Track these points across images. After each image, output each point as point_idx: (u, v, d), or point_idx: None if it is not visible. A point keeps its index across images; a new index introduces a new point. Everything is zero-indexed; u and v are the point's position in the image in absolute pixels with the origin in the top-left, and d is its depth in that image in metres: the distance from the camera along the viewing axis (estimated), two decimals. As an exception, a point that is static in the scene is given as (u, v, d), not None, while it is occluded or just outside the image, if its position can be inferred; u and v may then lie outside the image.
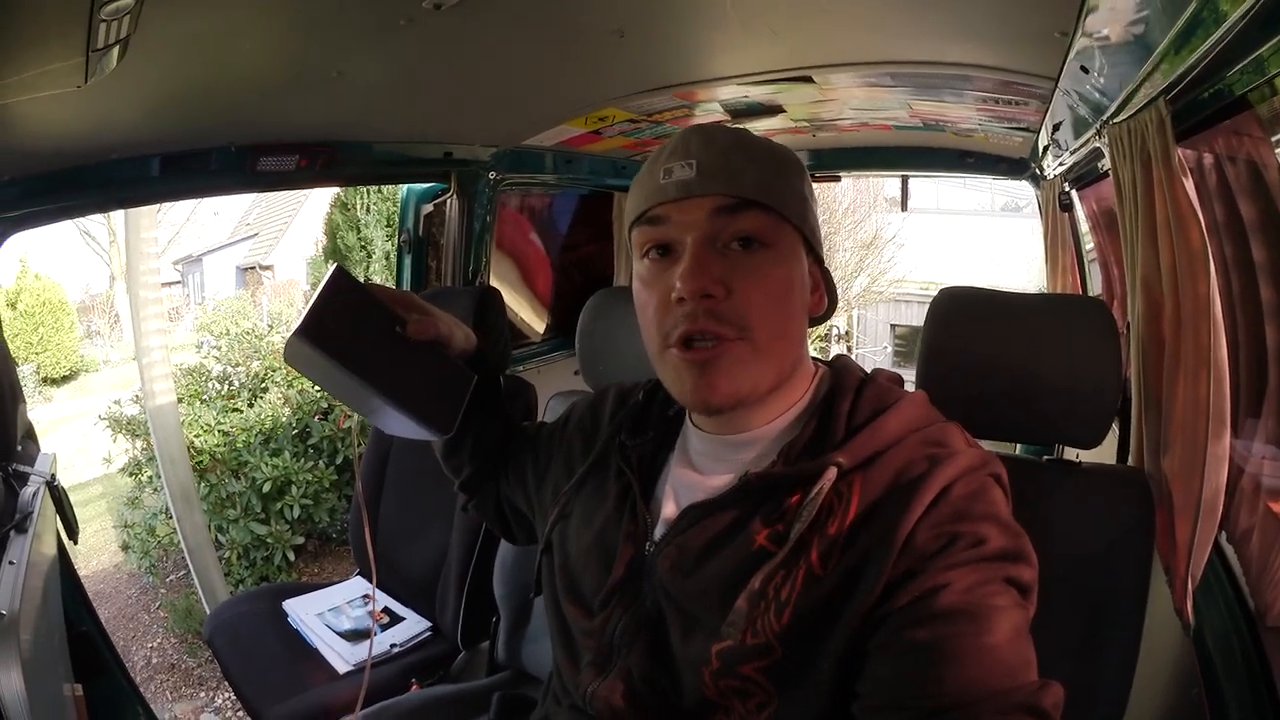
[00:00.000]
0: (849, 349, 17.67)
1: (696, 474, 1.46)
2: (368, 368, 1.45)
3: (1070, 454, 2.11)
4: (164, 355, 6.30)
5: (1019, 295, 1.92)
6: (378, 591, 3.50)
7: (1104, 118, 2.28)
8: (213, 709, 5.55)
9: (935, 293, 1.89)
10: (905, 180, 5.68)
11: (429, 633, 3.30)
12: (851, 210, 16.34)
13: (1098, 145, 2.53)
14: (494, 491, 1.90)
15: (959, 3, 2.27)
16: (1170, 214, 1.80)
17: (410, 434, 1.60)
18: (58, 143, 2.37)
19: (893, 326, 18.52)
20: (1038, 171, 4.60)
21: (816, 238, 1.41)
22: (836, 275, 16.11)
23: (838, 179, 5.83)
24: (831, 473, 1.24)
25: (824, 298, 1.45)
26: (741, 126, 1.46)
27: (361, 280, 1.51)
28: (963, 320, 1.86)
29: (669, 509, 1.46)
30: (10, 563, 1.86)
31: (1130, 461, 2.26)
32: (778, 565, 1.22)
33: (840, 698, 1.18)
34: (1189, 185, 1.75)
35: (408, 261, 4.41)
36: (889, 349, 18.18)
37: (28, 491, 2.28)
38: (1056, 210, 4.45)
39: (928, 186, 19.33)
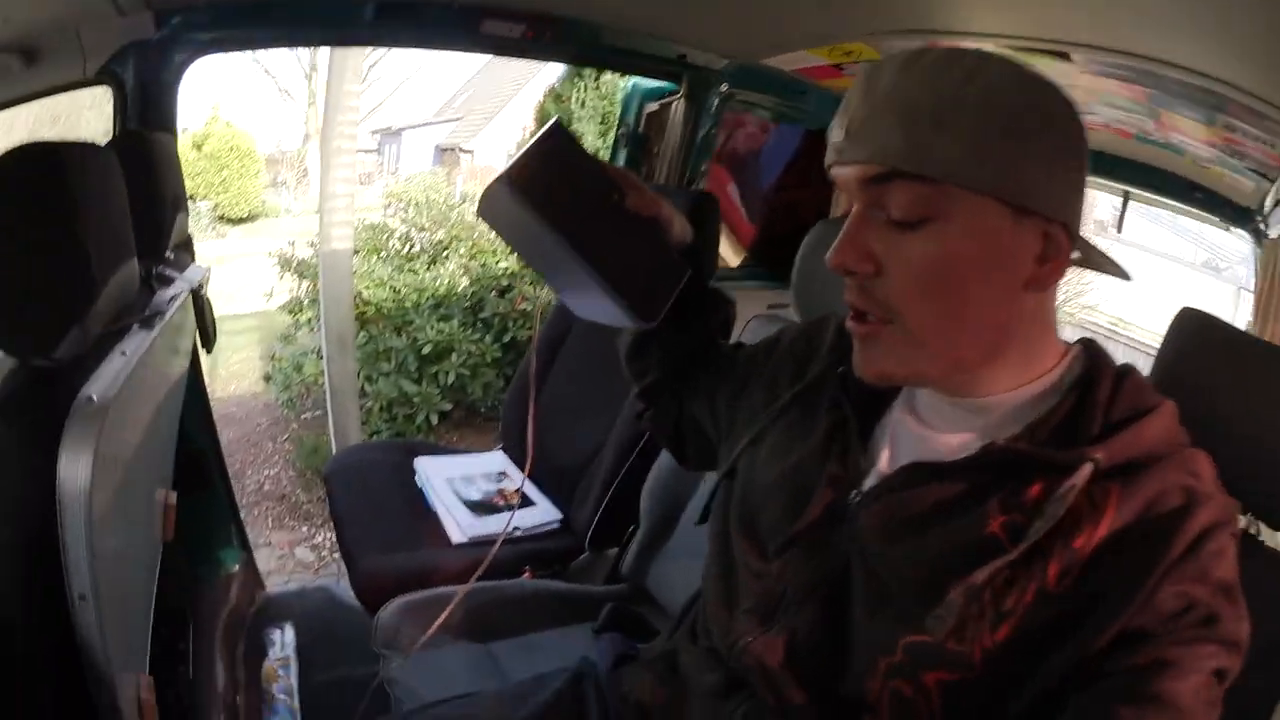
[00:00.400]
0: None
1: (924, 428, 1.29)
2: (576, 231, 1.36)
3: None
4: (348, 203, 6.33)
5: (1257, 341, 1.75)
6: (514, 471, 3.49)
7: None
8: (310, 544, 5.70)
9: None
10: (1126, 198, 5.44)
11: (557, 524, 3.23)
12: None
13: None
14: (676, 406, 1.77)
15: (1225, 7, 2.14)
16: None
17: (603, 317, 1.55)
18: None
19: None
20: (1262, 227, 4.37)
21: (1030, 194, 1.10)
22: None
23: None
24: (1086, 469, 1.06)
25: (1060, 265, 1.16)
26: (938, 53, 1.15)
27: None
28: (1200, 349, 1.66)
29: (886, 459, 1.30)
30: (122, 353, 1.80)
31: None
32: (1007, 565, 1.05)
33: None
34: None
35: (623, 155, 4.39)
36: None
37: (165, 294, 2.26)
38: (1276, 272, 4.17)
39: (1136, 221, 18.85)
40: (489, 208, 1.44)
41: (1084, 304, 15.82)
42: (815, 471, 1.33)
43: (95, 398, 1.55)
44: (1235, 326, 1.71)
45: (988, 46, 3.08)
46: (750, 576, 1.35)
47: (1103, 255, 1.26)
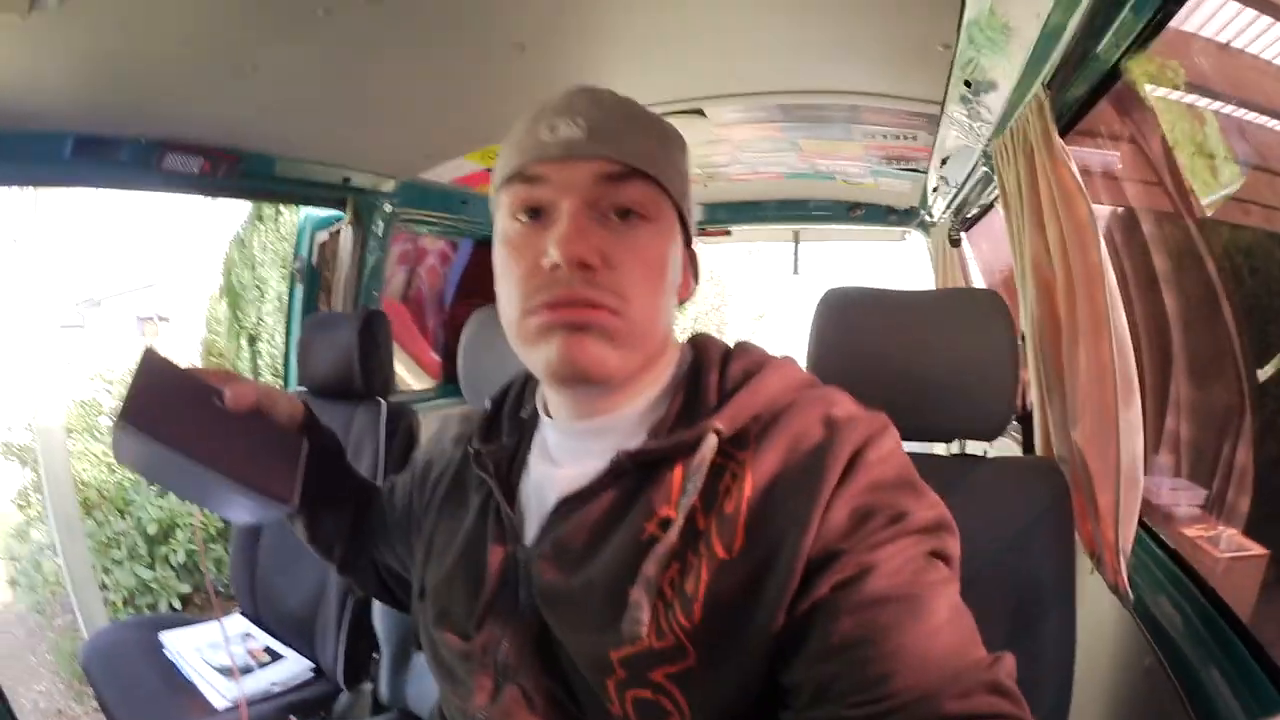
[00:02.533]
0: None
1: (561, 468, 1.30)
2: (195, 443, 1.38)
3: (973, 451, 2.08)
4: (55, 377, 6.18)
5: (909, 292, 1.90)
6: (256, 630, 3.42)
7: (989, 135, 2.35)
8: None
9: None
10: (796, 239, 5.69)
11: (310, 673, 3.14)
12: (744, 281, 16.53)
13: (985, 170, 2.60)
14: (371, 565, 1.74)
15: (844, 23, 2.32)
16: (1055, 194, 1.87)
17: (252, 516, 1.53)
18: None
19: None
20: (927, 217, 4.69)
21: (691, 219, 1.26)
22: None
23: (728, 233, 5.88)
24: (711, 440, 1.12)
25: (690, 282, 1.30)
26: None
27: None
28: (851, 318, 1.85)
29: (536, 506, 1.30)
30: None
31: (1039, 453, 2.33)
32: (672, 553, 1.08)
33: (766, 708, 1.06)
34: (1072, 165, 1.82)
35: (299, 290, 4.41)
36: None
37: None
38: (946, 249, 4.51)
39: (819, 256, 19.52)
40: (119, 450, 1.39)
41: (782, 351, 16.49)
42: (480, 545, 1.34)
43: None
44: (873, 287, 1.91)
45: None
46: (462, 660, 1.33)
47: (698, 271, 1.35)
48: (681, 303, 1.28)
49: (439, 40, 2.44)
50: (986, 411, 1.76)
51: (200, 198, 3.69)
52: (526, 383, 1.42)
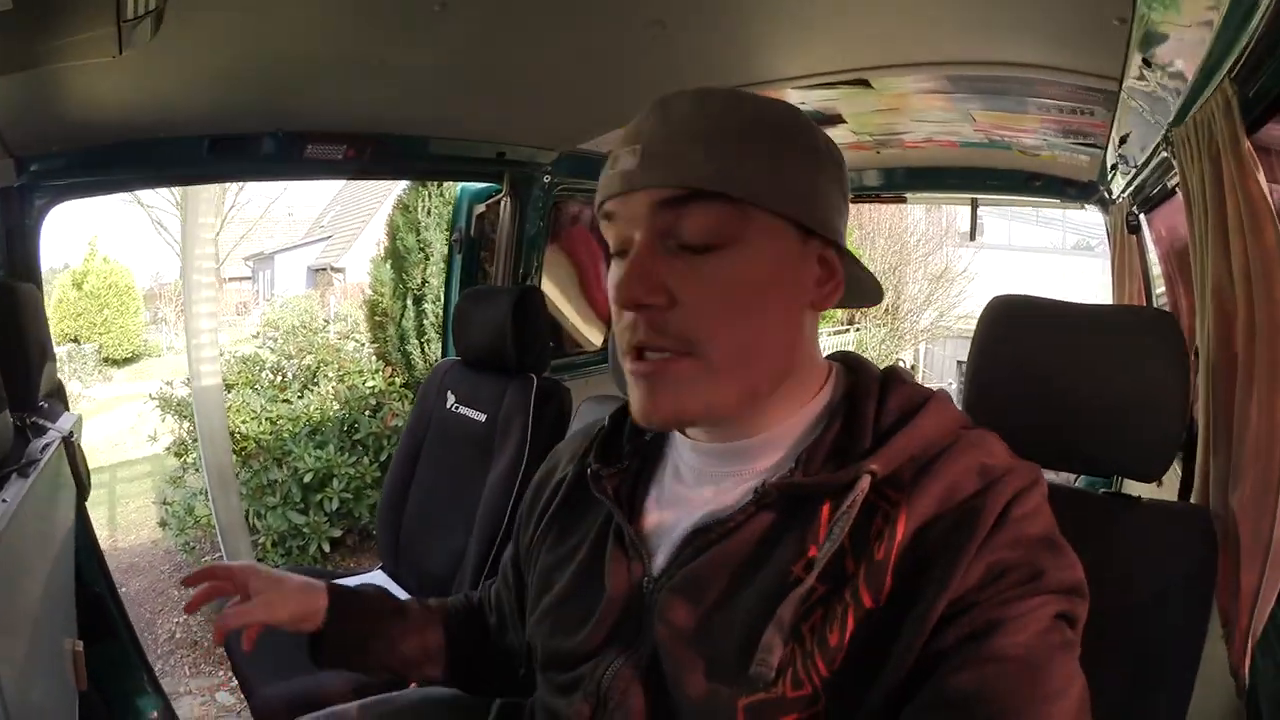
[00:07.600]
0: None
1: (696, 492, 1.23)
2: None
3: (1129, 489, 1.90)
4: (212, 338, 6.47)
5: (1079, 305, 1.71)
6: (395, 585, 3.43)
7: (1169, 120, 2.18)
8: (229, 688, 5.65)
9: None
10: (974, 206, 5.54)
11: None
12: (922, 242, 16.30)
13: (1165, 155, 2.42)
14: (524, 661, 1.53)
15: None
16: (1243, 211, 1.65)
17: None
18: (105, 115, 2.42)
19: (959, 363, 17.87)
20: (1106, 195, 4.49)
21: (818, 217, 1.12)
22: (904, 308, 15.93)
23: (904, 200, 5.79)
24: (865, 482, 1.05)
25: (837, 286, 1.16)
26: (729, 89, 1.15)
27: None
28: (1017, 329, 1.68)
29: (668, 536, 1.22)
30: (2, 500, 1.78)
31: (1194, 499, 2.09)
32: (816, 599, 1.03)
33: None
34: (1262, 179, 1.61)
35: (458, 261, 4.45)
36: (954, 385, 17.58)
37: (39, 443, 2.24)
38: (1124, 233, 4.25)
39: (999, 223, 19.16)
40: None
41: (959, 314, 16.15)
42: (596, 566, 1.27)
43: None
44: (1042, 297, 1.72)
45: (789, 93, 3.16)
46: (565, 693, 1.26)
47: (868, 274, 1.26)
48: (819, 311, 1.19)
49: (571, 22, 2.40)
50: (1147, 450, 1.57)
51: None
52: None
